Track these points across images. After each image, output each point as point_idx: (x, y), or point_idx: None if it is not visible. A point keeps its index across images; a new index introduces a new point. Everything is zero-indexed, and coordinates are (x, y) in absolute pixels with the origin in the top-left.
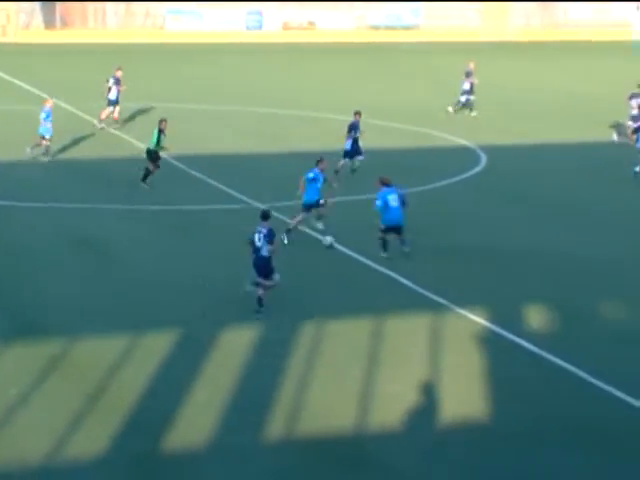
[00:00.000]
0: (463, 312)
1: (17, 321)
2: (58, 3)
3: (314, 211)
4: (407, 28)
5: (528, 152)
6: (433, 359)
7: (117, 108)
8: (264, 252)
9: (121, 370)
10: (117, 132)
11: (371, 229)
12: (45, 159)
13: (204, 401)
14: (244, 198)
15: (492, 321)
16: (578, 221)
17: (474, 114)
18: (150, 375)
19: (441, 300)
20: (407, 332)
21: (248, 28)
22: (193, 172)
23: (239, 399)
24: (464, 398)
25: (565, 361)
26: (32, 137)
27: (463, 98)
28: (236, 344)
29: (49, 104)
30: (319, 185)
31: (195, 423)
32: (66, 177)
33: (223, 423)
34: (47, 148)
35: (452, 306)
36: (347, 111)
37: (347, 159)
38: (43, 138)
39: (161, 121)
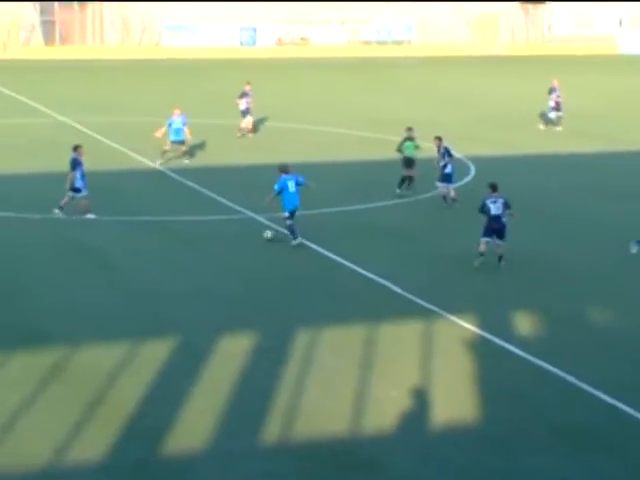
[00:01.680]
0: (453, 318)
1: (20, 329)
2: (58, 20)
3: None
4: (398, 43)
5: (515, 163)
6: (424, 364)
7: (249, 118)
8: (504, 218)
9: (121, 377)
10: (118, 146)
11: (363, 237)
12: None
13: (202, 407)
14: (241, 209)
15: (482, 327)
16: (563, 229)
17: (559, 129)
18: (149, 382)
19: (431, 307)
20: (398, 338)
21: (242, 44)
22: (190, 183)
23: (236, 404)
24: (455, 402)
25: (552, 365)
26: (28, 149)
27: (552, 115)
28: (232, 351)
29: (177, 113)
30: None
31: (194, 428)
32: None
33: (221, 428)
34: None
35: (442, 312)
36: (339, 124)
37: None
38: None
39: (409, 129)
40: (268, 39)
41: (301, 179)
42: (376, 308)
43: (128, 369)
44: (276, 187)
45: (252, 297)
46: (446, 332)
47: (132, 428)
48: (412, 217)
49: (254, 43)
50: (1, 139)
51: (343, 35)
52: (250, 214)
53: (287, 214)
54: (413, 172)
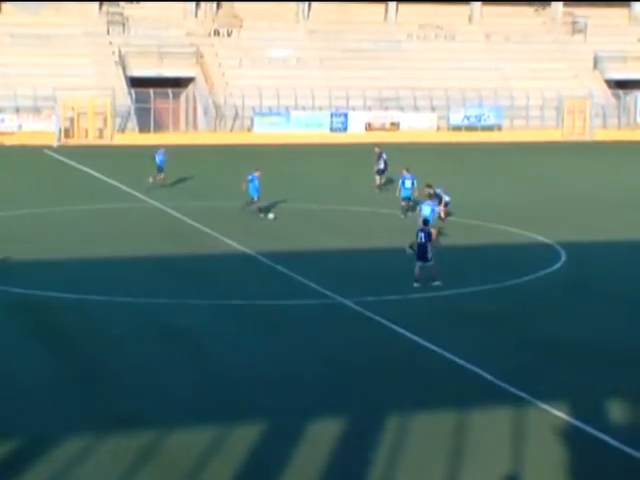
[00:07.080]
0: (544, 406)
1: (109, 413)
2: (152, 108)
3: None
4: (488, 129)
5: (606, 248)
6: (515, 453)
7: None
8: None
9: (211, 461)
10: (208, 229)
11: (455, 323)
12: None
13: None
14: (330, 293)
15: (573, 415)
16: None
17: None
18: (239, 465)
19: (522, 394)
20: (488, 426)
21: (333, 130)
22: (278, 267)
23: None
24: None
25: None
26: (127, 232)
27: None
28: (321, 435)
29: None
30: None
31: None
32: (154, 272)
33: None
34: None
35: (533, 400)
36: None
37: None
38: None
39: None
40: (358, 125)
41: None
42: (465, 394)
43: (217, 453)
44: None
45: (340, 382)
46: (537, 420)
47: None
48: (498, 305)
49: (345, 129)
50: (94, 224)
51: (432, 121)
52: (340, 299)
53: None
54: None
